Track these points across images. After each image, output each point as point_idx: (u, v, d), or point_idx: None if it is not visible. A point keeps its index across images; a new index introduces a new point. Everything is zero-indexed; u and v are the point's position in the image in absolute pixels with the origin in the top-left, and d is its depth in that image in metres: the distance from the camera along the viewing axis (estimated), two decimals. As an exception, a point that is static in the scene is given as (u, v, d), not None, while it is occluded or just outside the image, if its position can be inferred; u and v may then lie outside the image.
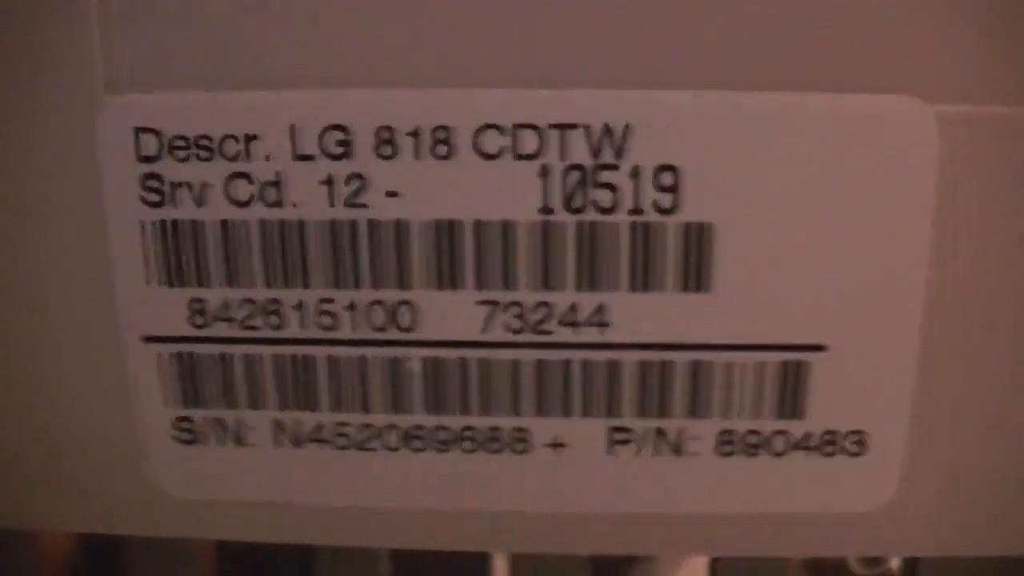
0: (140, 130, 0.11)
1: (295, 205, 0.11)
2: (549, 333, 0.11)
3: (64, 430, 0.12)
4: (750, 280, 0.11)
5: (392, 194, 0.11)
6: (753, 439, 0.12)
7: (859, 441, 0.12)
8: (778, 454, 0.12)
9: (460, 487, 0.12)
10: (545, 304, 0.11)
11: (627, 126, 0.11)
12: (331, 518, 0.12)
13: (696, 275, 0.11)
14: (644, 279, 0.11)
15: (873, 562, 0.15)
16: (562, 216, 0.11)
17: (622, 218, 0.11)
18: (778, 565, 0.15)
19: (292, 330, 0.12)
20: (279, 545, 0.13)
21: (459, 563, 0.15)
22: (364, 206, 0.11)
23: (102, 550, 0.16)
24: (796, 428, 0.12)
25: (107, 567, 0.16)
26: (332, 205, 0.11)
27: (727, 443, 0.12)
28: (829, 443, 0.12)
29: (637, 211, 0.11)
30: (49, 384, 0.12)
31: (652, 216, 0.11)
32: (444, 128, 0.11)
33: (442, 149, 0.11)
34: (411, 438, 0.12)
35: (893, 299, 0.11)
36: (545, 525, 0.12)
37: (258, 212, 0.11)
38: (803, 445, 0.12)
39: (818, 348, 0.11)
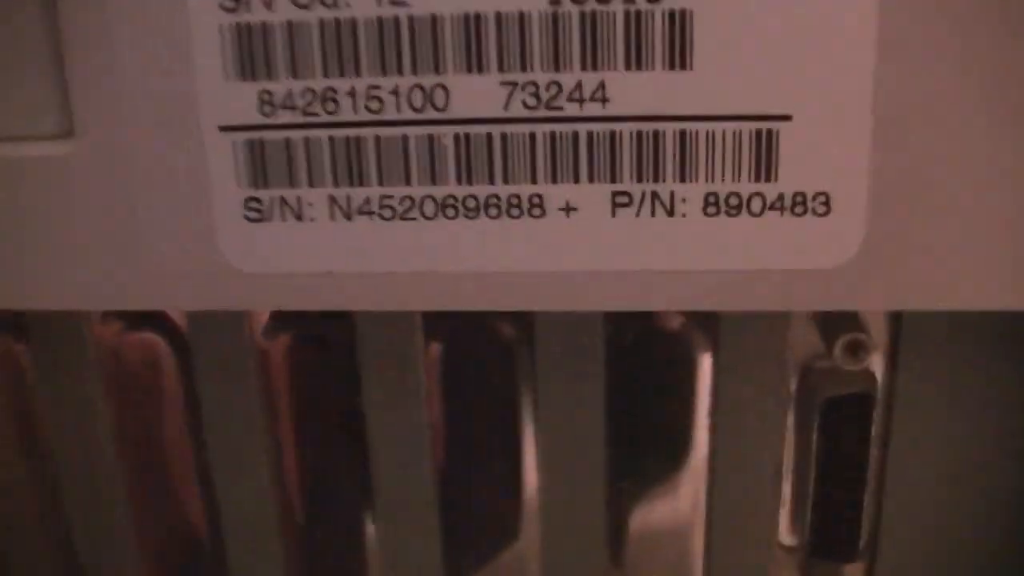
0: (219, -56, 0.14)
1: (348, 5, 0.14)
2: (559, 109, 0.14)
3: (146, 214, 0.15)
4: (724, 58, 0.14)
5: None
6: (734, 200, 0.14)
7: (825, 202, 0.14)
8: (754, 214, 0.14)
9: (487, 249, 0.15)
10: (556, 83, 0.14)
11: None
12: (376, 285, 0.15)
13: (679, 54, 0.14)
14: (637, 59, 0.14)
15: (856, 356, 0.17)
16: (567, 6, 0.14)
17: (617, 7, 0.14)
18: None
19: (345, 114, 0.14)
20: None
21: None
22: (404, 3, 0.14)
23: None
24: (769, 190, 0.14)
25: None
26: (379, 3, 0.14)
27: (712, 204, 0.14)
28: (799, 203, 0.14)
29: (629, 0, 0.14)
30: (133, 170, 0.15)
31: (642, 5, 0.14)
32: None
33: (468, -46, 0.14)
34: (445, 207, 0.14)
35: (847, 73, 0.14)
36: (559, 283, 0.15)
37: (317, 13, 0.14)
38: (776, 205, 0.14)
39: (785, 118, 0.14)
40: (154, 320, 0.19)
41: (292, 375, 0.19)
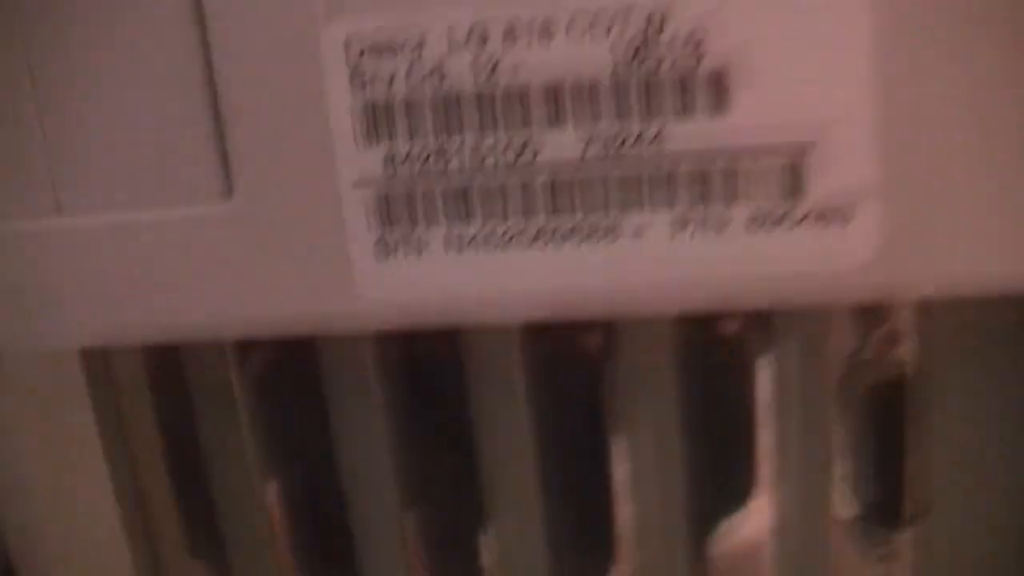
0: (348, 39, 0.18)
1: (453, 80, 0.18)
2: (625, 153, 0.18)
3: (292, 257, 0.19)
4: (757, 101, 0.18)
5: (514, 68, 0.18)
6: (771, 217, 0.18)
7: (846, 211, 0.18)
8: (787, 227, 0.18)
9: (572, 268, 0.18)
10: (621, 132, 0.18)
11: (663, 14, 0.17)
12: (483, 302, 0.19)
13: (719, 102, 0.18)
14: (684, 108, 0.18)
15: (891, 344, 0.21)
16: (628, 72, 0.18)
17: (667, 68, 0.17)
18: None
19: (453, 167, 0.18)
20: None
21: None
22: (497, 76, 0.18)
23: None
24: (799, 206, 0.18)
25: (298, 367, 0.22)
26: (477, 78, 0.18)
27: (753, 221, 0.18)
28: (824, 215, 0.18)
29: (677, 64, 0.17)
30: (282, 223, 0.19)
31: (688, 64, 0.17)
32: (547, 20, 0.17)
33: (545, 34, 0.18)
34: (537, 237, 0.18)
35: (860, 104, 0.18)
36: (631, 293, 0.19)
37: (428, 88, 0.18)
38: (805, 218, 0.18)
39: (810, 145, 0.18)
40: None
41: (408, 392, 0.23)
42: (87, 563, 0.25)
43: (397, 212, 0.19)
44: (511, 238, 0.19)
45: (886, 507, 0.22)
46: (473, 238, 0.19)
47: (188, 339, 0.21)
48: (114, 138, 0.20)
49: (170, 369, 0.23)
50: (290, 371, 0.23)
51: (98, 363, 0.23)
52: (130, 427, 0.24)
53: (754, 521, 0.23)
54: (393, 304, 0.19)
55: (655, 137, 0.18)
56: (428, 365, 0.22)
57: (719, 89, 0.18)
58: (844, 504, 0.22)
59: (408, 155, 0.18)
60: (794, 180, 0.18)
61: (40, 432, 0.23)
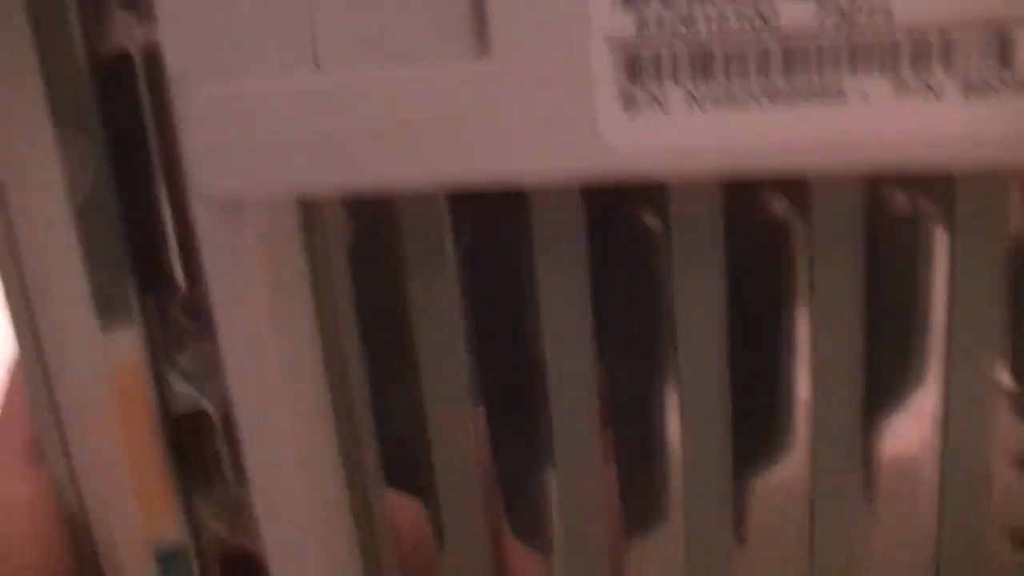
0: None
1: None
2: (856, 23, 0.20)
3: (544, 111, 0.21)
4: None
5: None
6: (983, 85, 0.20)
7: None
8: (998, 94, 0.20)
9: (803, 126, 0.21)
10: (853, 3, 0.20)
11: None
12: (719, 156, 0.21)
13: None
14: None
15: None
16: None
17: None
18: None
19: (701, 31, 0.20)
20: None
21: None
22: (747, -51, 0.20)
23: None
24: (1008, 76, 0.20)
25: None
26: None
27: (968, 88, 0.20)
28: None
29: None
30: (537, 79, 0.21)
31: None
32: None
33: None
34: (772, 97, 0.21)
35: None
36: (855, 149, 0.21)
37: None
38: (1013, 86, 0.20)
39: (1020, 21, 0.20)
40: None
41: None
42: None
43: (645, 69, 0.21)
44: (748, 97, 0.21)
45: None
46: (713, 96, 0.21)
47: (434, 189, 0.23)
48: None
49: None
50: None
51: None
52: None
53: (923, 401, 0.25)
54: (637, 155, 0.21)
55: (881, 7, 0.20)
56: (628, 228, 0.25)
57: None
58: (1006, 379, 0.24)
59: (660, 17, 0.21)
60: (1004, 51, 0.20)
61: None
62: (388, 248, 0.26)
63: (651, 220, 0.25)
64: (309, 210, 0.25)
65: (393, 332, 0.26)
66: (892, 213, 0.24)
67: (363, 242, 0.26)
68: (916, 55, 0.21)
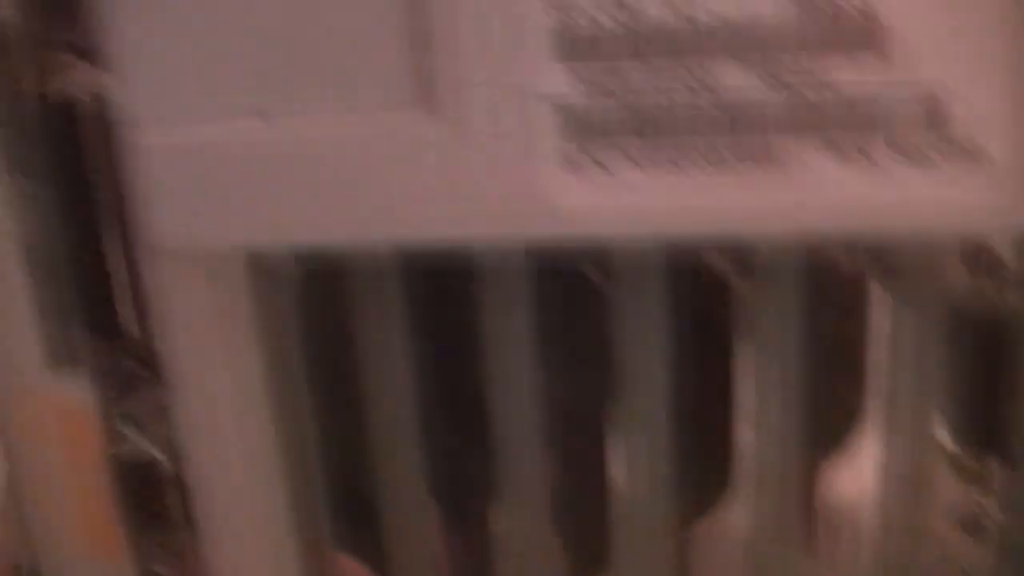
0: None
1: (644, 18, 0.21)
2: (798, 92, 0.21)
3: (483, 166, 0.22)
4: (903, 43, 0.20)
5: (698, 4, 0.20)
6: (914, 152, 0.21)
7: (977, 152, 0.21)
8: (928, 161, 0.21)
9: (740, 189, 0.21)
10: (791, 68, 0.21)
11: None
12: (658, 216, 0.21)
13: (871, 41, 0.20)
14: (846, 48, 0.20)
15: (994, 279, 0.24)
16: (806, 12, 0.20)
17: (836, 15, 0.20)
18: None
19: (644, 95, 0.21)
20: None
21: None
22: (683, 13, 0.20)
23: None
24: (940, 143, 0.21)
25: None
26: (664, 12, 0.20)
27: (899, 153, 0.21)
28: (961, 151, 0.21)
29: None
30: (479, 136, 0.21)
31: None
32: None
33: None
34: (711, 159, 0.21)
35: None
36: (791, 215, 0.21)
37: (621, 17, 0.21)
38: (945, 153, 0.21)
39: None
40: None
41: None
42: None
43: (589, 132, 0.21)
44: (690, 161, 0.21)
45: (983, 441, 0.25)
46: (656, 160, 0.21)
47: (373, 247, 0.24)
48: (319, 45, 0.22)
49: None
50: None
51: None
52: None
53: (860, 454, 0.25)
54: (580, 218, 0.22)
55: (819, 73, 0.21)
56: (572, 281, 0.25)
57: (872, 35, 0.20)
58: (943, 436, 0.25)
59: (603, 81, 0.21)
60: (938, 120, 0.21)
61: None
62: (336, 295, 0.26)
63: (594, 274, 0.25)
64: (257, 257, 0.26)
65: (342, 381, 0.26)
66: (833, 271, 0.25)
67: (311, 288, 0.26)
68: (855, 124, 0.21)
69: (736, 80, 0.21)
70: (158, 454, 0.27)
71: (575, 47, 0.21)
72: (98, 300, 0.26)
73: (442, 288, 0.26)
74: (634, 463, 0.26)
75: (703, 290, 0.25)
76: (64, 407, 0.27)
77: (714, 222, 0.22)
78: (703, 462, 0.26)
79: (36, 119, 0.25)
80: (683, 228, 0.22)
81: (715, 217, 0.22)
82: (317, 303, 0.26)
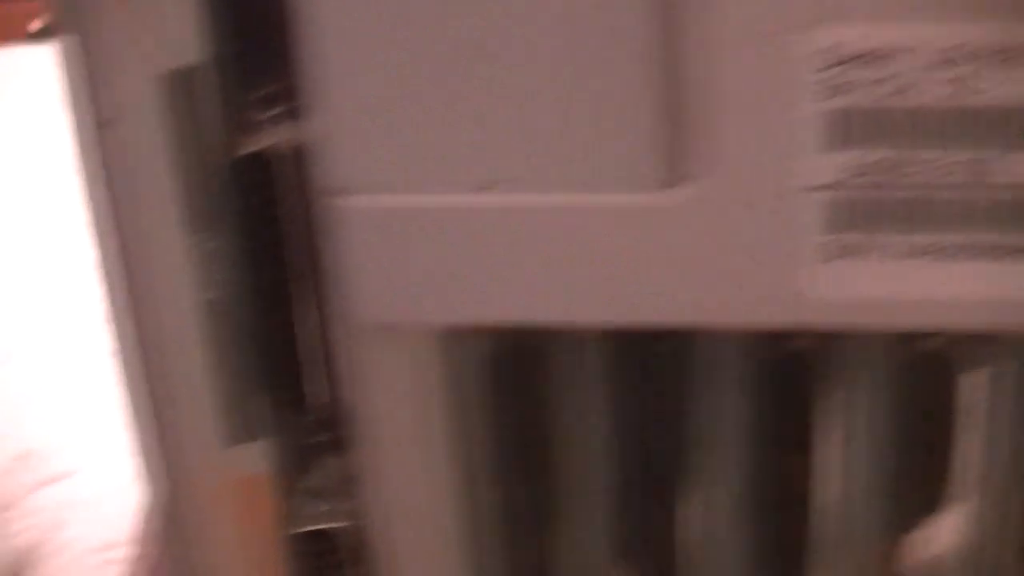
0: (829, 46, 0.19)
1: (917, 92, 0.19)
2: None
3: (732, 253, 0.20)
4: None
5: (978, 90, 0.19)
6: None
7: None
8: None
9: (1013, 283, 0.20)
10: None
11: None
12: (924, 308, 0.20)
13: None
14: None
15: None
16: None
17: None
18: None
19: (913, 179, 0.20)
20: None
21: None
22: (961, 99, 0.19)
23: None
24: None
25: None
26: (941, 97, 0.19)
27: None
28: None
29: None
30: (730, 218, 0.20)
31: None
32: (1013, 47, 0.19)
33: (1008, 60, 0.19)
34: (982, 251, 0.20)
35: None
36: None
37: (897, 101, 0.19)
38: None
39: None
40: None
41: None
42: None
43: (850, 217, 0.20)
44: (956, 251, 0.20)
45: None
46: (922, 248, 0.20)
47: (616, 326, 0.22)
48: (563, 116, 0.21)
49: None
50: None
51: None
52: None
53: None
54: (833, 306, 0.21)
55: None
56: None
57: None
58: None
59: (869, 164, 0.20)
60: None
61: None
62: (529, 371, 0.25)
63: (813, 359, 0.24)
64: (451, 332, 0.25)
65: (531, 458, 0.25)
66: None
67: (503, 363, 0.25)
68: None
69: (1015, 173, 0.20)
70: (339, 525, 0.26)
71: (849, 134, 0.20)
72: (280, 365, 0.25)
73: (645, 369, 0.25)
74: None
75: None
76: (240, 473, 0.25)
77: (976, 315, 0.21)
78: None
79: (227, 175, 0.23)
80: (927, 320, 0.21)
81: (977, 310, 0.21)
82: (508, 379, 0.25)
